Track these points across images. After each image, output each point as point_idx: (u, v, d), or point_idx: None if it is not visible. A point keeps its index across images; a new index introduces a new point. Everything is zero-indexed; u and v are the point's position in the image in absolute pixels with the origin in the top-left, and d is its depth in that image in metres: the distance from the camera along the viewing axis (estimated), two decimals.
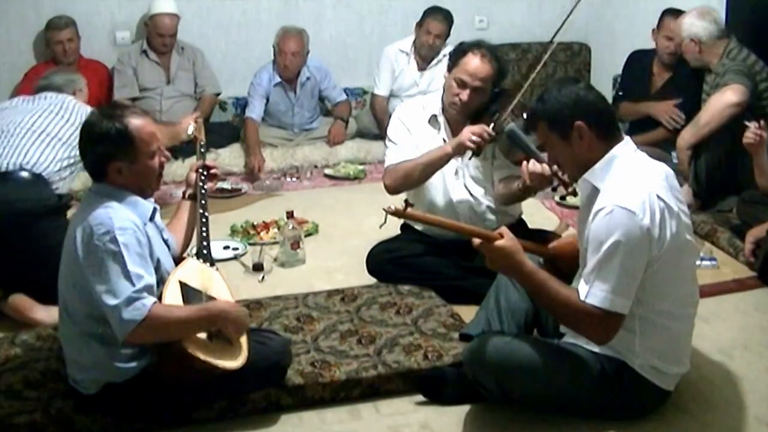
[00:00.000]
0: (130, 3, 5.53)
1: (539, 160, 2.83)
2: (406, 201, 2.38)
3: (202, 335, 2.38)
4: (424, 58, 5.42)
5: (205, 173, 2.87)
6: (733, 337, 2.97)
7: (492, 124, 3.13)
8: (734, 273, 3.55)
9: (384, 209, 2.32)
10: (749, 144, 3.42)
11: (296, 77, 5.39)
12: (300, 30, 5.35)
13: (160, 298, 2.33)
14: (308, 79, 5.45)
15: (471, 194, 3.31)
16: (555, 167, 2.51)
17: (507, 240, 2.25)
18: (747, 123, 3.44)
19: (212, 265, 2.66)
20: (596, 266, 2.21)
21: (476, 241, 2.29)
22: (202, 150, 3.08)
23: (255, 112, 5.34)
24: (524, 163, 2.88)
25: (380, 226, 2.51)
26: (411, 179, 3.24)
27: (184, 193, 2.87)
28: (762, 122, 3.40)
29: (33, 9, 5.33)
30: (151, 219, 2.45)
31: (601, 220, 2.22)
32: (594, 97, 2.34)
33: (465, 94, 3.17)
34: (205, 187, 2.86)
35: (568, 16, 3.18)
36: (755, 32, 4.31)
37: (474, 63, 3.17)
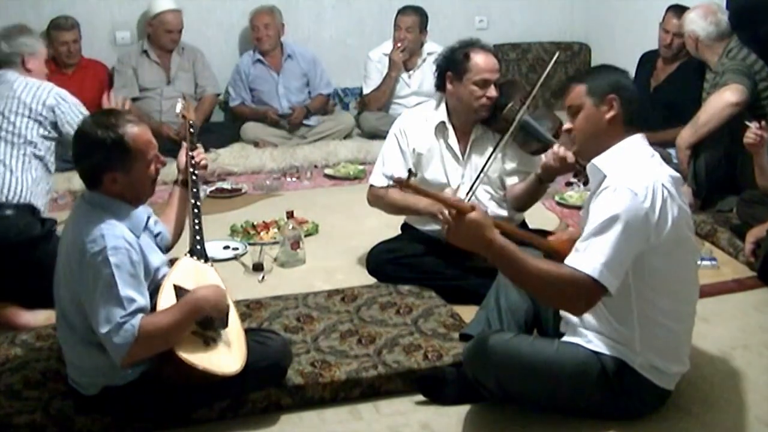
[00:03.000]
0: (130, 3, 5.54)
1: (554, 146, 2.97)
2: (409, 170, 2.39)
3: (199, 342, 2.36)
4: (406, 57, 5.49)
5: (194, 155, 2.79)
6: (733, 337, 2.97)
7: (502, 120, 3.21)
8: (734, 273, 3.55)
9: (387, 176, 2.32)
10: (749, 144, 3.42)
11: (276, 52, 5.51)
12: (271, 6, 5.52)
13: (155, 306, 2.31)
14: (290, 56, 5.56)
15: (476, 198, 3.31)
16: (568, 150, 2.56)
17: (479, 212, 2.22)
18: (748, 123, 3.44)
19: (206, 260, 2.63)
20: (590, 235, 2.22)
21: (449, 212, 2.24)
22: (192, 131, 2.95)
23: (237, 102, 5.56)
24: (550, 146, 3.00)
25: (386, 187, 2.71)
26: (389, 211, 3.42)
27: (176, 179, 2.81)
28: (763, 123, 3.40)
29: (33, 9, 5.34)
30: (145, 226, 2.42)
31: (604, 197, 2.25)
32: (634, 87, 2.45)
33: (492, 91, 3.19)
34: (196, 172, 2.78)
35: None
36: (755, 32, 4.31)
37: (485, 60, 3.19)
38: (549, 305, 2.42)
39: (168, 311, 2.31)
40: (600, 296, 2.22)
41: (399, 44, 5.41)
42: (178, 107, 3.11)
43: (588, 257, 2.19)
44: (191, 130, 2.94)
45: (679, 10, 4.61)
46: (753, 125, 3.40)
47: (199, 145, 2.92)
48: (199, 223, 2.70)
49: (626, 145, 2.35)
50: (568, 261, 2.23)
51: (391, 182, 3.28)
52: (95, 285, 2.22)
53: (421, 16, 5.46)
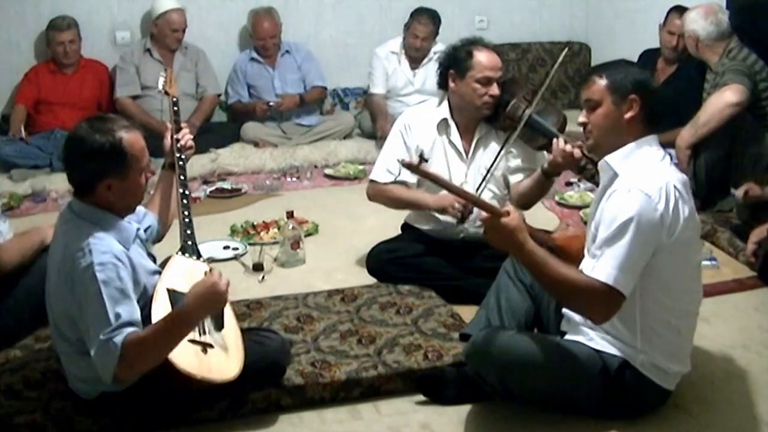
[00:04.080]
0: (130, 3, 5.54)
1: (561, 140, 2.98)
2: (420, 155, 2.38)
3: (196, 350, 2.32)
4: (414, 59, 5.51)
5: (180, 143, 2.70)
6: (733, 337, 2.97)
7: (507, 118, 3.21)
8: (734, 273, 3.55)
9: (398, 160, 2.32)
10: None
11: (274, 50, 5.56)
12: (268, 9, 5.53)
13: (150, 312, 2.27)
14: (287, 52, 5.59)
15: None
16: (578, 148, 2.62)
17: (514, 217, 2.25)
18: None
19: (199, 257, 2.60)
20: (605, 242, 2.24)
21: (483, 214, 2.29)
22: (176, 108, 2.82)
23: (234, 99, 5.58)
24: (554, 141, 2.99)
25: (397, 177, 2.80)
26: (391, 206, 3.40)
27: (162, 163, 2.73)
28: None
29: (33, 9, 5.33)
30: (135, 236, 2.38)
31: (617, 200, 2.26)
32: (657, 88, 2.44)
33: (495, 89, 3.20)
34: (183, 156, 2.69)
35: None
36: (755, 32, 4.31)
37: (488, 57, 3.20)
38: (574, 312, 2.43)
39: (153, 326, 2.23)
40: (620, 302, 2.24)
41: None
42: (160, 83, 2.98)
43: (603, 265, 2.22)
44: (175, 108, 2.83)
45: (681, 11, 4.60)
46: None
47: (184, 125, 2.82)
48: (189, 216, 2.63)
49: (640, 145, 2.35)
50: (584, 269, 2.25)
51: (397, 176, 3.31)
52: (84, 301, 2.18)
53: (436, 24, 5.40)
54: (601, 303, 2.24)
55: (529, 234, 2.29)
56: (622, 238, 2.21)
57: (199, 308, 2.23)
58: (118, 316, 2.17)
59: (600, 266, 2.22)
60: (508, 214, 2.25)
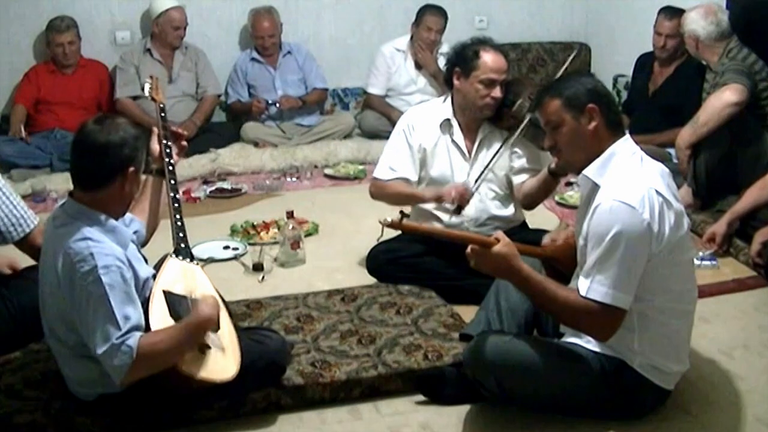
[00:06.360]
0: (130, 3, 5.53)
1: None
2: (401, 212, 2.38)
3: (194, 351, 2.32)
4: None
5: (169, 145, 2.67)
6: (733, 337, 2.97)
7: (511, 117, 3.21)
8: (734, 273, 3.54)
9: (380, 221, 2.33)
10: None
11: (274, 50, 5.55)
12: (269, 8, 5.53)
13: (147, 313, 2.27)
14: (289, 52, 5.60)
15: (480, 197, 3.31)
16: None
17: (503, 245, 2.26)
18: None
19: (192, 259, 2.59)
20: (597, 261, 2.23)
21: (472, 247, 2.28)
22: (163, 114, 2.80)
23: (233, 99, 5.58)
24: None
25: (378, 240, 2.52)
26: (391, 202, 3.36)
27: (150, 168, 2.69)
28: None
29: (33, 9, 5.33)
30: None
31: (601, 216, 2.23)
32: (608, 91, 2.43)
33: (497, 91, 3.19)
34: (172, 161, 2.67)
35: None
36: (755, 32, 4.31)
37: (494, 59, 3.19)
38: (577, 331, 2.42)
39: (168, 332, 2.25)
40: (621, 317, 2.25)
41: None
42: (146, 88, 2.97)
43: (597, 285, 2.22)
44: (162, 114, 2.82)
45: (669, 12, 4.63)
46: None
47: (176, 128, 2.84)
48: (180, 219, 2.62)
49: (614, 151, 2.33)
50: (580, 289, 2.25)
51: (398, 174, 3.32)
52: (88, 305, 2.17)
53: (445, 18, 5.44)
54: (601, 323, 2.25)
55: (519, 251, 2.29)
56: (613, 255, 2.20)
57: (212, 318, 2.32)
58: (126, 318, 2.18)
59: (595, 287, 2.22)
60: (497, 241, 2.26)
